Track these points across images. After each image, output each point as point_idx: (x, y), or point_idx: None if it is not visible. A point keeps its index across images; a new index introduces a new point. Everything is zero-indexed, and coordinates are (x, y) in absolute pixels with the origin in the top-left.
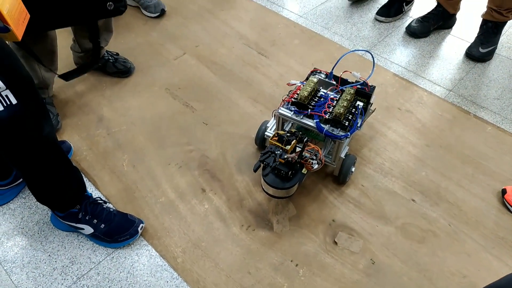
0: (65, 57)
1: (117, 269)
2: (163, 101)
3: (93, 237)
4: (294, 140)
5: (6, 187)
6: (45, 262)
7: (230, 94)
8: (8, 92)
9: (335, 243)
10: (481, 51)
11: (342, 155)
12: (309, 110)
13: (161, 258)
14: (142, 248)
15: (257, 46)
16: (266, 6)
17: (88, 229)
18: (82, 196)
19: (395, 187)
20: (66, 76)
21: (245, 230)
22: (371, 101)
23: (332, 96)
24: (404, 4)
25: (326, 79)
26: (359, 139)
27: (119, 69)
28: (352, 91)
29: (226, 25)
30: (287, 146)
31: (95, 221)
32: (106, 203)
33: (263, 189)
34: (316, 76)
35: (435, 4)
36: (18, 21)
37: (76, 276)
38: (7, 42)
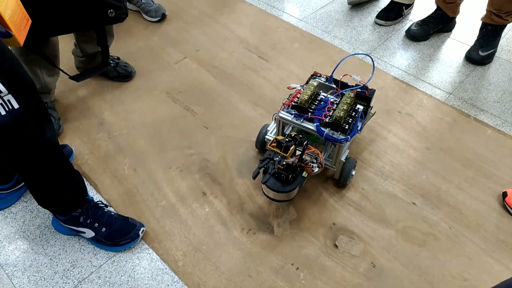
0: (67, 62)
1: (118, 273)
2: (164, 105)
3: (94, 240)
4: (293, 146)
5: (8, 191)
6: (47, 266)
7: (231, 97)
8: (10, 97)
9: (336, 246)
10: (481, 54)
11: (343, 159)
12: (309, 113)
13: (162, 261)
14: (143, 252)
15: (258, 50)
16: (266, 10)
17: (89, 233)
18: (83, 200)
19: (396, 190)
20: (77, 78)
21: (245, 234)
22: (371, 104)
23: (332, 100)
24: (403, 7)
25: (326, 83)
26: (360, 142)
27: (120, 73)
28: (352, 94)
29: (227, 29)
30: (286, 152)
31: (96, 224)
32: (107, 207)
33: (263, 192)
34: (316, 79)
35: (435, 7)
36: (20, 26)
37: (77, 279)
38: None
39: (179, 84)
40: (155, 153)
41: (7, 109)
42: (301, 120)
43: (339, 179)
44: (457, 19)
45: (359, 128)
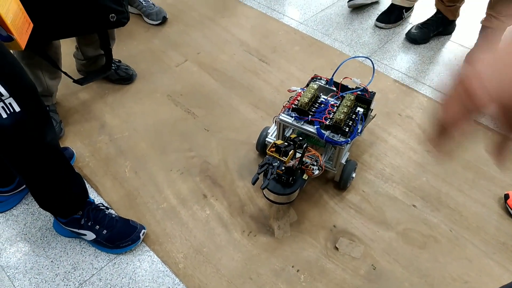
0: (68, 65)
1: (119, 275)
2: (165, 108)
3: (95, 243)
4: (292, 151)
5: (9, 194)
6: (48, 268)
7: (231, 100)
8: (11, 100)
9: (336, 248)
10: None
11: (343, 161)
12: (310, 116)
13: (162, 263)
14: (144, 254)
15: (258, 52)
16: (266, 13)
17: (90, 235)
18: (84, 202)
19: (396, 192)
20: (81, 82)
21: (246, 236)
22: (372, 107)
23: (332, 103)
24: (404, 10)
25: (327, 86)
26: (360, 145)
27: (121, 76)
28: (352, 97)
29: (227, 32)
30: (284, 157)
31: (97, 227)
32: (108, 209)
33: (264, 195)
34: (317, 82)
35: (435, 10)
36: (22, 30)
37: (78, 282)
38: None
39: (180, 86)
40: (156, 155)
41: (8, 112)
42: (302, 123)
43: (340, 182)
44: (457, 22)
45: (359, 131)
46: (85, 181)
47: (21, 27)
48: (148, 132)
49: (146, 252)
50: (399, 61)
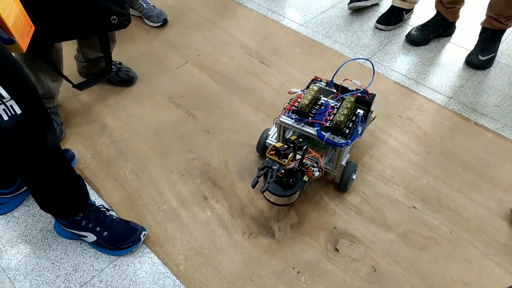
0: (69, 67)
1: (120, 277)
2: (166, 110)
3: (96, 244)
4: (291, 154)
5: (10, 195)
6: (49, 270)
7: (232, 102)
8: (12, 102)
9: (337, 250)
10: (480, 58)
11: (343, 163)
12: (310, 118)
13: (163, 265)
14: (144, 256)
15: (258, 54)
16: (267, 15)
17: (91, 237)
18: (85, 204)
19: (396, 194)
20: (81, 87)
21: (247, 238)
22: (372, 108)
23: (332, 104)
24: (404, 12)
25: (327, 87)
26: (360, 147)
27: (122, 78)
28: (352, 99)
29: (228, 34)
30: (284, 160)
31: (98, 228)
32: (109, 211)
33: (264, 197)
34: (317, 84)
35: (435, 12)
36: (23, 33)
37: (79, 283)
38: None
39: (180, 89)
40: (156, 157)
41: (9, 115)
42: (302, 125)
43: (340, 183)
44: (457, 23)
45: (359, 133)
46: (86, 183)
47: (22, 30)
48: (148, 134)
49: (146, 253)
50: (399, 63)
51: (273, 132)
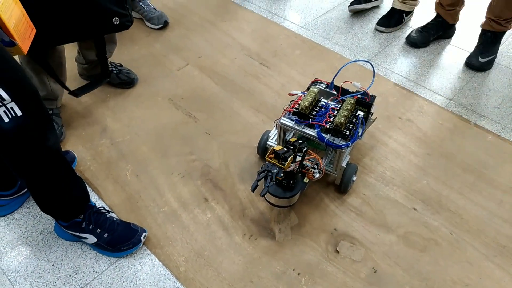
0: (70, 69)
1: (120, 278)
2: (166, 112)
3: (96, 246)
4: (291, 157)
5: (11, 197)
6: (49, 272)
7: (232, 104)
8: (13, 104)
9: (337, 251)
10: (480, 60)
11: (344, 164)
12: (310, 120)
13: (164, 267)
14: (145, 257)
15: (259, 56)
16: (267, 17)
17: (92, 239)
18: (85, 206)
19: (397, 196)
20: (77, 93)
21: (247, 239)
22: (372, 110)
23: (333, 106)
24: (404, 14)
25: (327, 89)
26: (360, 148)
27: (123, 80)
28: (352, 101)
29: (228, 36)
30: (283, 163)
31: (99, 230)
32: (109, 213)
33: (265, 198)
34: (317, 86)
35: (435, 14)
36: (24, 35)
37: (79, 285)
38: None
39: (181, 90)
40: (157, 159)
41: (10, 117)
42: (302, 126)
43: (340, 185)
44: (457, 26)
45: (359, 134)
46: (87, 185)
47: (23, 33)
48: (149, 136)
49: (147, 255)
50: (399, 64)
51: (273, 134)
